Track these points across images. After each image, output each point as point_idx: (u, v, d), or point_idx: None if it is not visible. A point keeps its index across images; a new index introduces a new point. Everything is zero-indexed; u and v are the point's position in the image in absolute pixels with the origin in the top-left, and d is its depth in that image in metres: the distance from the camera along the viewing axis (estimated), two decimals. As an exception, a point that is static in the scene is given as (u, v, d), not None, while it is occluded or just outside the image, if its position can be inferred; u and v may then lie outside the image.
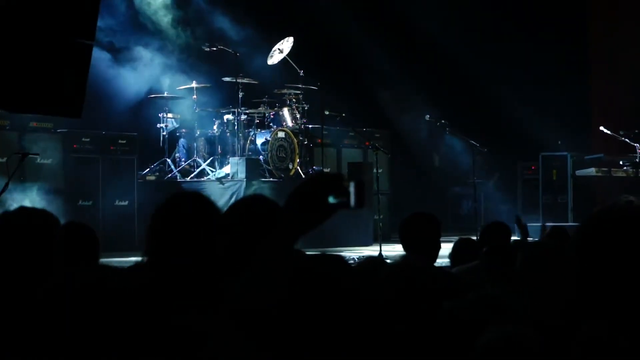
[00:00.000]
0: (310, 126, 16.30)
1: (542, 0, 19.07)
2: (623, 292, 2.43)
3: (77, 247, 4.60)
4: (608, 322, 2.44)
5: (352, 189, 2.51)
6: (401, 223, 5.96)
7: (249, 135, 15.65)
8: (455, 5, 18.72)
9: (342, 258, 2.73)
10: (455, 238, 6.56)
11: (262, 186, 14.66)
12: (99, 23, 7.14)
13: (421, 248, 5.83)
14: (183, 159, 15.68)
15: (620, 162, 16.41)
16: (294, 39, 16.06)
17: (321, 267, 2.64)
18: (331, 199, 2.48)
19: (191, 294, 3.11)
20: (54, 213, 3.71)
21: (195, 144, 15.64)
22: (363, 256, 11.49)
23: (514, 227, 6.79)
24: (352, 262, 3.25)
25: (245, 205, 3.75)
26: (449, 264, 6.30)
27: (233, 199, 14.19)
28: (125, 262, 3.92)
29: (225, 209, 3.66)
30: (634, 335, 2.42)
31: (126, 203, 14.68)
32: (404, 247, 5.91)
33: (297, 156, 15.56)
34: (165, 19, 16.27)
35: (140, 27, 16.04)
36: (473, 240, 6.59)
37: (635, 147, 15.86)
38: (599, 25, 19.70)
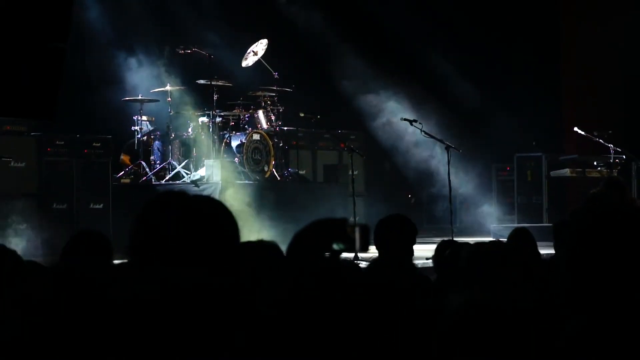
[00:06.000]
0: (285, 128, 16.30)
1: (514, 1, 19.13)
2: (618, 290, 2.41)
3: (90, 254, 4.61)
4: (590, 317, 2.43)
5: (357, 234, 2.49)
6: (377, 223, 5.94)
7: (224, 138, 15.59)
8: (428, 9, 18.74)
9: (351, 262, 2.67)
10: (431, 240, 6.51)
11: (238, 188, 14.61)
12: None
13: (393, 251, 5.82)
14: (158, 162, 15.61)
15: (595, 163, 16.49)
16: (268, 41, 16.05)
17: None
18: (335, 246, 2.46)
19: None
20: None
21: (170, 147, 15.57)
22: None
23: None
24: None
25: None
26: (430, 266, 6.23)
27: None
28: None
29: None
30: (616, 331, 2.41)
31: (101, 206, 14.58)
32: (377, 247, 5.89)
33: (273, 158, 15.55)
34: (138, 21, 16.20)
35: (113, 30, 15.95)
36: (455, 241, 6.48)
37: (609, 147, 15.92)
38: (570, 26, 19.79)
